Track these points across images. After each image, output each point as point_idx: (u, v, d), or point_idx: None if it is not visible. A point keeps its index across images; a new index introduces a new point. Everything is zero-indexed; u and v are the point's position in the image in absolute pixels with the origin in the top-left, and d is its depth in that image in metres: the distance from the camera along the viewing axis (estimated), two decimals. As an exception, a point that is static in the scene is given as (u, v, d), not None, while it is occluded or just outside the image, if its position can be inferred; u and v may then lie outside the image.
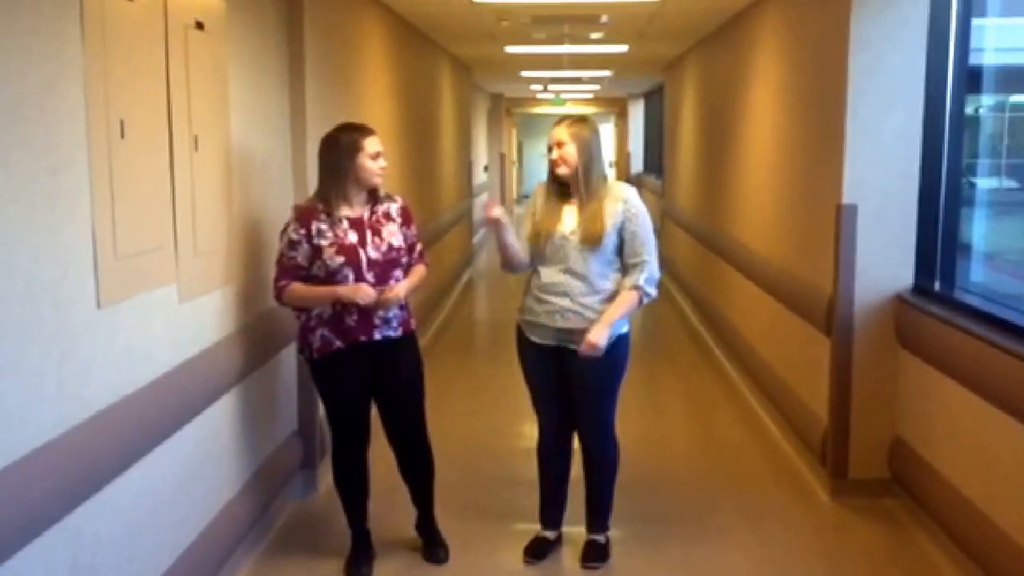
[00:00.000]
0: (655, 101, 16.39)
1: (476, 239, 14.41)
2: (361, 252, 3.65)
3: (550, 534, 4.04)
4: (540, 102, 22.23)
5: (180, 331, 3.29)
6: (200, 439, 3.46)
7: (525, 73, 13.43)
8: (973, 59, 4.44)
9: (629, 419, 5.92)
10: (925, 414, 4.25)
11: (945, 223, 4.43)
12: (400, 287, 3.70)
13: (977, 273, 4.67)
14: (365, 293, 3.59)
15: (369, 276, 3.66)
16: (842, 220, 4.46)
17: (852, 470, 4.59)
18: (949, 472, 3.98)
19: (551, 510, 4.05)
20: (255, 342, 3.95)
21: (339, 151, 3.67)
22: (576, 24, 7.90)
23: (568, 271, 3.70)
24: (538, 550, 3.99)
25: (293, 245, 3.65)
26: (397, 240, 3.75)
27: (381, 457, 4.03)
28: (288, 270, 3.67)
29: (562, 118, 3.84)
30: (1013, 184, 5.85)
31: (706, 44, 8.82)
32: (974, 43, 4.39)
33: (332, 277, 3.63)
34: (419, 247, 3.91)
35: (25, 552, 2.33)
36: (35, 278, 2.40)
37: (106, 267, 2.71)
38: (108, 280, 2.73)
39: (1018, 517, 3.42)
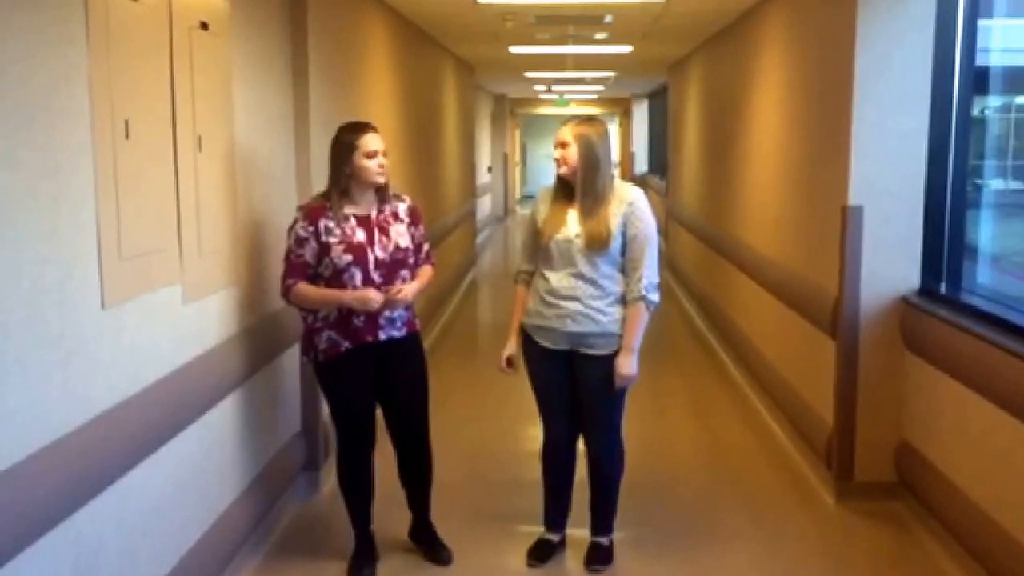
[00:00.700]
0: (659, 102, 16.37)
1: (480, 240, 14.41)
2: (369, 252, 3.64)
3: (553, 536, 4.03)
4: (544, 103, 22.22)
5: (184, 332, 3.29)
6: (203, 440, 3.45)
7: (529, 74, 13.42)
8: (980, 60, 4.42)
9: (633, 421, 5.91)
10: (931, 417, 4.23)
11: (951, 225, 4.41)
12: (408, 289, 3.68)
13: (983, 275, 4.64)
14: (372, 300, 3.58)
15: (376, 276, 3.65)
16: (848, 221, 4.45)
17: (858, 473, 4.57)
18: (955, 475, 3.96)
19: (555, 513, 4.03)
20: (259, 343, 3.95)
21: (338, 151, 3.69)
22: (580, 24, 7.89)
23: (576, 275, 3.66)
24: (541, 553, 3.97)
25: (301, 242, 3.64)
26: (404, 240, 3.74)
27: (384, 458, 4.01)
28: (296, 268, 3.66)
29: (570, 117, 3.79)
30: (1019, 185, 5.82)
31: (711, 44, 8.81)
32: (981, 44, 4.37)
33: (339, 276, 3.63)
34: (426, 247, 3.90)
35: (27, 553, 2.32)
36: (40, 278, 2.39)
37: (110, 268, 2.71)
38: (112, 281, 2.72)
39: (1025, 521, 3.41)
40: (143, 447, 2.94)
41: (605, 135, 3.71)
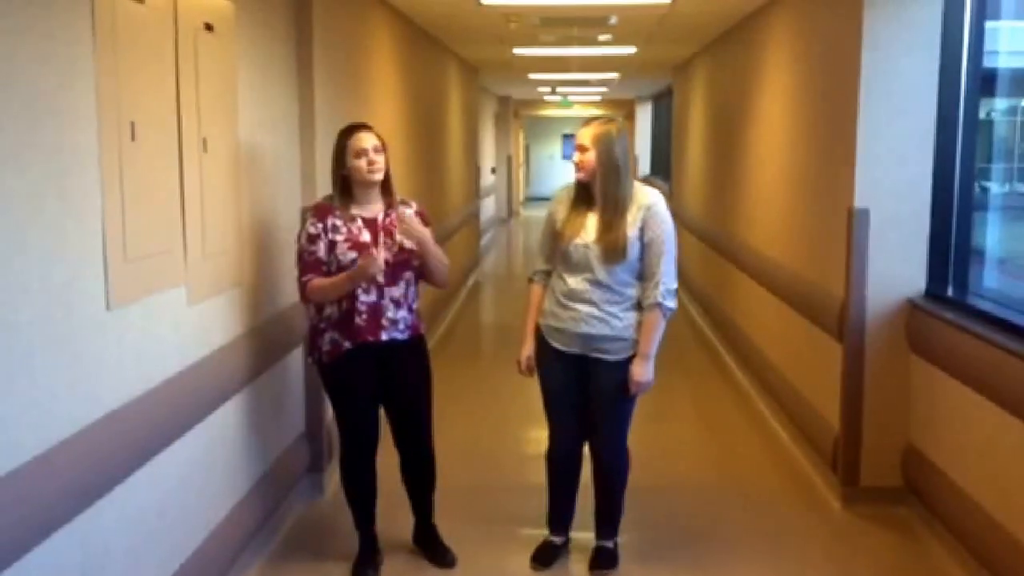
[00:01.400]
0: (663, 104, 16.37)
1: (484, 242, 14.40)
2: (373, 251, 3.64)
3: (558, 539, 4.01)
4: (548, 104, 22.21)
5: (189, 333, 3.28)
6: (208, 441, 3.45)
7: (533, 75, 13.42)
8: (986, 62, 4.41)
9: (637, 424, 5.88)
10: (938, 421, 4.22)
11: (958, 227, 4.40)
12: (416, 222, 3.67)
13: (990, 278, 4.63)
14: (376, 262, 3.55)
15: (379, 276, 3.65)
16: (854, 224, 4.43)
17: (864, 477, 4.55)
18: (962, 479, 3.94)
19: (559, 516, 4.01)
20: (263, 344, 3.94)
21: (335, 156, 3.72)
22: (585, 26, 7.88)
23: (593, 280, 3.62)
24: (545, 556, 3.96)
25: (312, 239, 3.65)
26: (409, 243, 3.74)
27: (387, 460, 4.00)
28: (310, 265, 3.65)
29: (589, 119, 3.71)
30: (1025, 188, 5.82)
31: (715, 46, 8.80)
32: (987, 46, 4.36)
33: (343, 272, 3.64)
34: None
35: (35, 554, 2.31)
36: (46, 279, 2.39)
37: (116, 269, 2.70)
38: (118, 282, 2.71)
39: (1033, 525, 3.39)
40: (149, 448, 2.94)
41: (624, 137, 3.63)
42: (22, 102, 2.28)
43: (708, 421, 6.26)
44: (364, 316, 3.66)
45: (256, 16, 3.95)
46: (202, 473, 3.40)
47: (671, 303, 3.63)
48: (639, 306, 3.65)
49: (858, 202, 4.43)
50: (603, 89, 17.17)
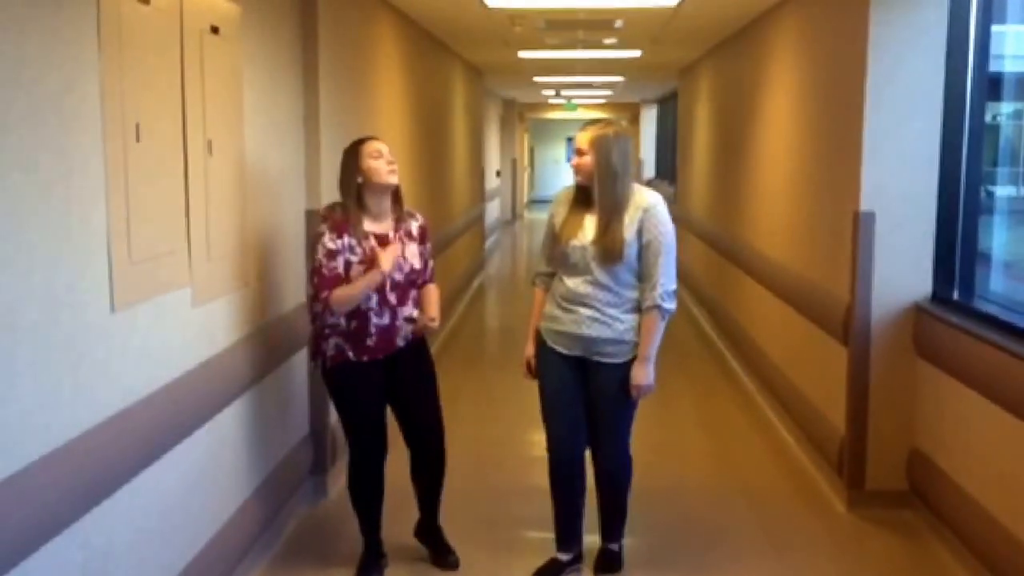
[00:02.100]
0: (668, 107, 16.36)
1: (488, 244, 14.40)
2: (381, 253, 3.64)
3: (564, 556, 3.89)
4: (552, 107, 22.22)
5: (193, 335, 3.28)
6: (212, 444, 3.44)
7: (538, 78, 13.43)
8: (992, 66, 4.40)
9: (642, 427, 5.87)
10: (944, 424, 4.20)
11: (964, 231, 4.39)
12: (438, 317, 3.82)
13: (996, 282, 4.62)
14: (388, 262, 3.57)
15: (392, 297, 3.68)
16: (860, 228, 4.42)
17: (869, 481, 4.54)
18: (968, 483, 3.93)
19: (566, 532, 3.88)
20: (267, 346, 3.94)
21: (345, 163, 3.69)
22: (590, 29, 7.88)
23: (592, 282, 3.59)
24: (549, 574, 3.85)
25: (333, 255, 3.59)
26: (418, 262, 3.77)
27: (393, 463, 3.99)
28: (330, 280, 3.58)
29: (588, 122, 3.69)
30: (1031, 192, 5.80)
31: (721, 49, 8.79)
32: (994, 50, 4.35)
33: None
34: (431, 264, 3.91)
35: (37, 556, 2.31)
36: (51, 281, 2.39)
37: (121, 271, 2.70)
38: (122, 284, 2.71)
39: (1039, 530, 3.38)
40: (153, 450, 2.94)
41: (623, 140, 3.60)
42: (27, 103, 2.28)
43: (713, 424, 6.25)
44: (374, 338, 3.68)
45: (262, 19, 3.96)
46: (206, 475, 3.40)
47: (670, 305, 3.60)
48: (640, 308, 3.62)
49: (864, 205, 4.42)
50: (608, 92, 17.18)
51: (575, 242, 3.62)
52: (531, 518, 4.36)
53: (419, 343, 3.84)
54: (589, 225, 3.61)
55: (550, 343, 3.75)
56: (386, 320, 3.67)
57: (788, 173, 5.94)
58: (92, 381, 2.59)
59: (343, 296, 3.58)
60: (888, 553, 4.18)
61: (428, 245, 3.89)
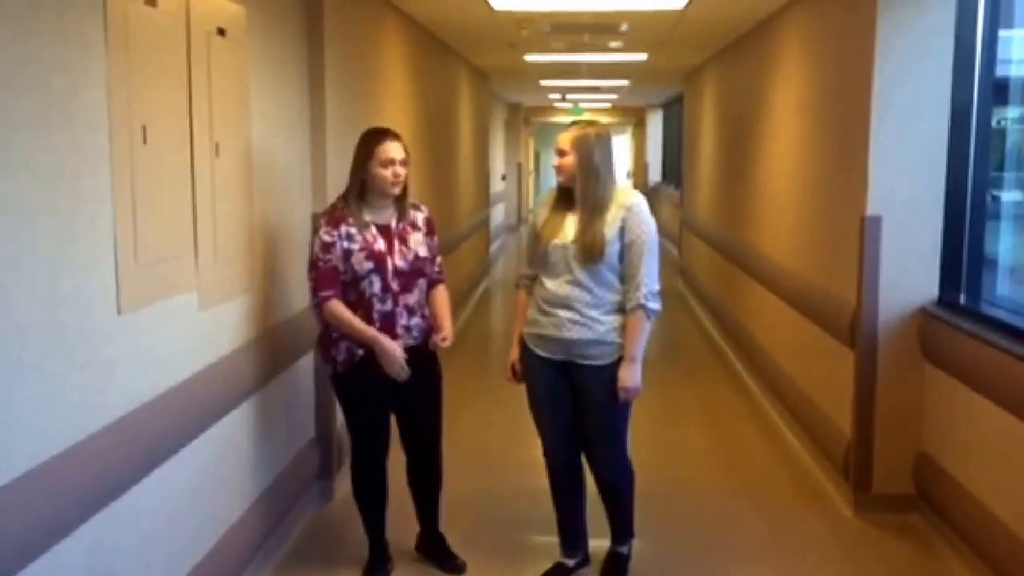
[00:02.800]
0: (674, 111, 16.36)
1: (493, 248, 14.40)
2: (388, 259, 3.65)
3: (570, 561, 3.88)
4: (558, 111, 22.21)
5: (199, 338, 3.28)
6: (218, 447, 3.44)
7: (543, 82, 13.43)
8: (999, 71, 4.38)
9: (648, 431, 5.89)
10: (951, 428, 4.19)
11: (971, 235, 4.38)
12: (450, 335, 3.79)
13: (1003, 286, 4.60)
14: (398, 365, 3.61)
15: (394, 284, 3.66)
16: (866, 232, 4.41)
17: (876, 485, 4.53)
18: (976, 488, 3.92)
19: (569, 536, 3.89)
20: (273, 350, 3.94)
21: (357, 155, 3.69)
22: (596, 33, 7.87)
23: (572, 282, 3.55)
24: None
25: (327, 247, 3.61)
26: (423, 251, 3.74)
27: (397, 467, 3.99)
28: (326, 275, 3.61)
29: (570, 124, 3.69)
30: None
31: (727, 53, 8.79)
32: (1001, 55, 4.34)
33: (358, 283, 3.63)
34: (439, 260, 3.89)
35: (43, 560, 2.31)
36: (57, 283, 2.39)
37: (127, 273, 2.70)
38: (129, 286, 2.71)
39: (1047, 535, 3.36)
40: (159, 453, 2.94)
41: (605, 140, 3.59)
42: (34, 105, 2.28)
43: (719, 428, 6.24)
44: (378, 325, 3.66)
45: (268, 21, 3.96)
46: (212, 479, 3.40)
47: (654, 305, 3.55)
48: (623, 310, 3.58)
49: (871, 210, 4.42)
50: (613, 96, 17.17)
51: (556, 241, 3.58)
52: (536, 521, 4.35)
53: (427, 349, 3.82)
54: (570, 225, 3.58)
55: (532, 347, 3.71)
56: (388, 306, 3.66)
57: (794, 177, 5.93)
58: (98, 384, 2.59)
59: (340, 318, 3.61)
60: (895, 557, 4.16)
61: (436, 239, 3.85)
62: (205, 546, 3.33)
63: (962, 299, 4.33)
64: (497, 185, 16.66)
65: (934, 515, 4.31)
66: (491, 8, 6.46)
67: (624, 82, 13.45)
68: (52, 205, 2.36)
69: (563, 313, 3.57)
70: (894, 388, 4.47)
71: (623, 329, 3.56)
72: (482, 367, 8.14)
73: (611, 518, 3.91)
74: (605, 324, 3.56)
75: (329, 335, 3.73)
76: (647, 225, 3.56)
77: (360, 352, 3.67)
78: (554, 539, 3.99)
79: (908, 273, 4.42)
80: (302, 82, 4.43)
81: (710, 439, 6.02)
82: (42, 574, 2.31)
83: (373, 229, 3.66)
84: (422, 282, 3.76)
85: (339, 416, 4.34)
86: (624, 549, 3.92)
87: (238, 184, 3.59)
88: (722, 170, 9.06)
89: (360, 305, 3.65)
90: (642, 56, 9.63)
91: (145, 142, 2.79)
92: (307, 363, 4.46)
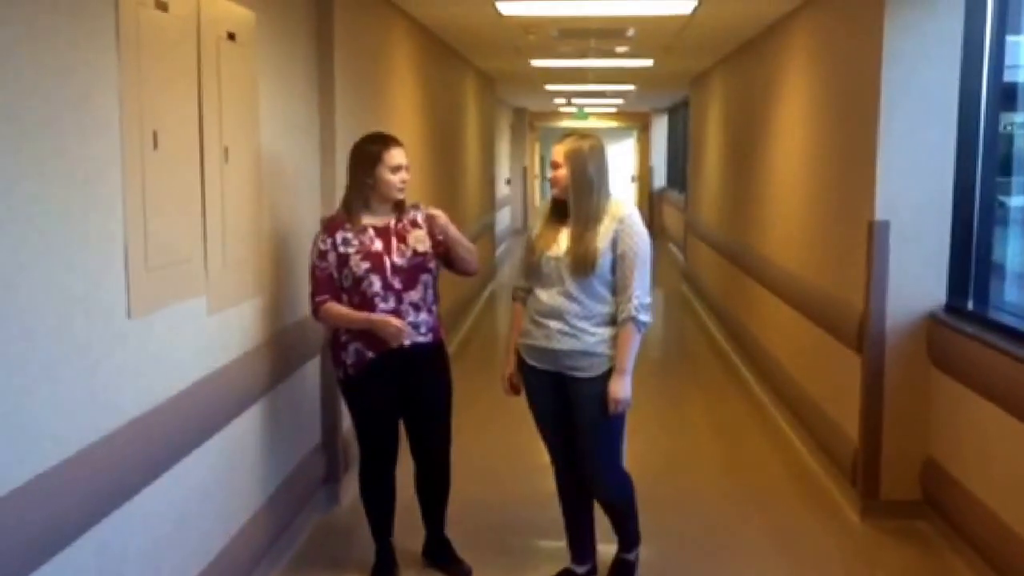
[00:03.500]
0: (679, 116, 16.36)
1: (499, 253, 14.40)
2: (386, 259, 3.65)
3: (578, 568, 3.88)
4: (563, 116, 22.23)
5: (208, 342, 3.29)
6: (226, 451, 3.45)
7: (549, 87, 13.44)
8: (1007, 76, 4.38)
9: (654, 436, 5.89)
10: (958, 434, 4.18)
11: (979, 241, 4.37)
12: (444, 216, 3.71)
13: (1011, 292, 4.60)
14: (396, 328, 3.59)
15: (395, 282, 3.66)
16: (874, 237, 4.41)
17: (883, 491, 4.52)
18: (984, 494, 3.91)
19: (576, 543, 3.88)
20: (282, 354, 3.94)
21: (361, 162, 3.70)
22: (602, 38, 7.88)
23: (564, 293, 3.55)
24: None
25: (323, 255, 3.68)
26: (423, 246, 3.73)
27: (404, 472, 3.99)
28: (322, 282, 3.68)
29: (566, 135, 3.68)
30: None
31: (733, 58, 8.79)
32: (1008, 60, 4.33)
33: (358, 284, 3.65)
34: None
35: (52, 563, 2.31)
36: (68, 288, 2.39)
37: (137, 278, 2.71)
38: (139, 291, 2.72)
39: (1056, 542, 3.36)
40: (168, 457, 2.94)
41: (599, 153, 3.59)
42: (46, 110, 2.29)
43: (725, 433, 6.23)
44: None
45: (278, 26, 3.97)
46: (220, 482, 3.40)
47: (645, 317, 3.53)
48: (614, 322, 3.56)
49: (878, 215, 4.41)
50: (619, 101, 17.18)
51: (549, 253, 3.59)
52: (543, 526, 4.34)
53: (438, 350, 3.83)
54: (563, 237, 3.58)
55: (526, 358, 3.71)
56: (391, 304, 3.67)
57: (801, 182, 5.93)
58: (108, 388, 2.59)
59: (335, 314, 3.66)
60: (902, 564, 4.16)
61: (438, 231, 3.79)
62: (213, 549, 3.34)
63: (970, 304, 4.33)
64: (502, 189, 16.67)
65: (941, 521, 4.30)
66: (499, 13, 6.47)
67: (630, 87, 13.45)
68: (63, 209, 2.37)
69: (553, 324, 3.57)
70: (902, 393, 4.46)
71: (614, 341, 3.55)
72: (488, 370, 8.12)
73: (615, 527, 3.89)
74: (595, 335, 3.55)
75: (338, 339, 3.74)
76: (639, 237, 3.55)
77: (370, 354, 3.68)
78: (560, 544, 3.99)
79: (916, 278, 4.41)
80: (311, 86, 4.44)
81: (716, 444, 6.01)
82: (52, 577, 2.31)
83: (371, 231, 3.68)
84: (426, 277, 3.74)
85: (346, 420, 4.35)
86: (631, 556, 3.91)
87: (247, 188, 3.60)
88: (728, 175, 9.06)
89: (364, 306, 3.66)
90: (648, 62, 9.63)
91: (156, 147, 2.79)
92: (314, 367, 4.46)
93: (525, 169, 21.02)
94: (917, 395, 4.45)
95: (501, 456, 5.57)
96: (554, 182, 3.61)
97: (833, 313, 5.03)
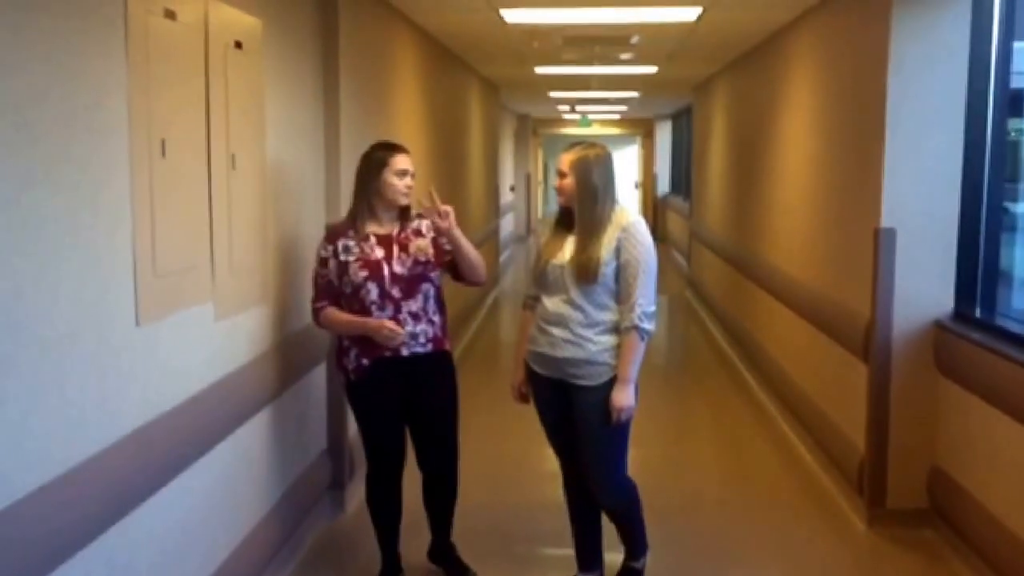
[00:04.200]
0: (683, 122, 16.37)
1: (502, 259, 14.41)
2: (385, 267, 3.65)
3: None
4: (567, 123, 22.27)
5: (215, 349, 3.29)
6: (233, 458, 3.44)
7: (553, 94, 13.45)
8: (1014, 83, 4.38)
9: (659, 444, 5.88)
10: (965, 442, 4.17)
11: (986, 248, 4.36)
12: (452, 218, 3.65)
13: (1019, 299, 4.59)
14: (389, 331, 3.59)
15: (394, 291, 3.65)
16: (880, 244, 4.41)
17: (890, 499, 4.51)
18: (990, 502, 3.90)
19: (583, 552, 3.87)
20: (288, 361, 3.95)
21: (367, 167, 3.72)
22: (607, 45, 7.89)
23: (568, 301, 3.55)
24: None
25: (323, 263, 3.71)
26: (425, 255, 3.72)
27: (409, 480, 3.98)
28: (323, 289, 3.72)
29: (570, 145, 3.68)
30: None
31: (738, 65, 8.79)
32: (1015, 67, 4.33)
33: (357, 292, 3.65)
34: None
35: (60, 571, 2.31)
36: (77, 295, 2.39)
37: (145, 285, 2.71)
38: (147, 298, 2.72)
39: (1065, 550, 3.34)
40: (175, 465, 2.94)
41: (604, 161, 3.59)
42: (55, 118, 2.29)
43: (731, 441, 6.22)
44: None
45: (284, 34, 3.98)
46: (227, 489, 3.40)
47: (648, 326, 3.52)
48: (618, 330, 3.55)
49: (885, 222, 4.41)
50: (623, 108, 17.20)
51: (554, 261, 3.59)
52: (549, 534, 4.34)
53: (441, 358, 3.81)
54: (568, 245, 3.59)
55: (532, 365, 3.72)
56: (389, 313, 3.66)
57: (807, 189, 5.93)
58: (116, 395, 2.59)
59: (333, 320, 3.70)
60: (909, 573, 4.14)
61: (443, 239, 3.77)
62: (219, 557, 3.33)
63: (977, 312, 4.32)
64: (506, 196, 16.67)
65: (948, 530, 4.28)
66: (503, 21, 6.48)
67: (634, 94, 13.46)
68: (72, 217, 2.37)
69: (557, 331, 3.57)
70: (908, 401, 4.45)
71: (617, 350, 3.54)
72: (491, 378, 8.12)
73: (622, 535, 3.88)
74: (598, 344, 3.54)
75: (341, 345, 3.75)
76: (643, 246, 3.54)
77: (365, 361, 3.68)
78: (566, 551, 3.98)
79: (922, 286, 4.40)
80: (317, 94, 4.45)
81: (721, 452, 6.00)
82: (60, 586, 2.31)
83: (372, 240, 3.69)
84: (427, 287, 3.73)
85: (352, 427, 4.35)
86: (638, 564, 3.90)
87: (253, 195, 3.60)
88: (732, 181, 9.06)
89: (362, 314, 3.67)
90: (652, 69, 9.64)
91: (164, 155, 2.80)
92: (320, 373, 4.46)
93: (529, 176, 21.03)
94: (924, 403, 4.44)
95: (508, 463, 5.57)
96: (560, 191, 3.63)
97: (839, 320, 5.02)
